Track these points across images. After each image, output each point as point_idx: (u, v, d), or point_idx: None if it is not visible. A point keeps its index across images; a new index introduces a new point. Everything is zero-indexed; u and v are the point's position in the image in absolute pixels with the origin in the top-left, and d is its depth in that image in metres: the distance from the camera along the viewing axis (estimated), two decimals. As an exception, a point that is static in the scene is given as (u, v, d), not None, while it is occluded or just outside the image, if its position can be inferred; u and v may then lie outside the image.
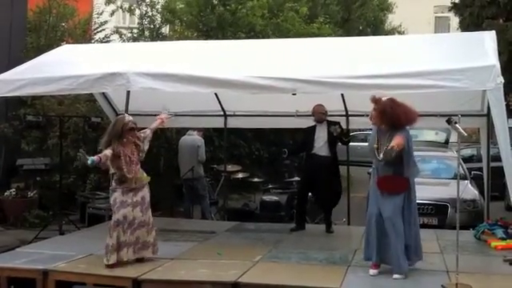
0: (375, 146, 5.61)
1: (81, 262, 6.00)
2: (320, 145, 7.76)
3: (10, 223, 9.57)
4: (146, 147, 6.12)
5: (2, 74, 7.19)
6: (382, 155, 5.44)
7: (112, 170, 5.90)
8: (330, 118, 8.34)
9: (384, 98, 5.53)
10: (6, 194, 9.87)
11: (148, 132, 6.19)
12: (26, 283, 5.68)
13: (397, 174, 5.55)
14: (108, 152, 5.73)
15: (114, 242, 5.81)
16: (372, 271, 5.62)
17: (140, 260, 5.97)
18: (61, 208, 8.89)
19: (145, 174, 6.10)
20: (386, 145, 5.47)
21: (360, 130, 17.32)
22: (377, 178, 5.63)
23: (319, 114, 7.88)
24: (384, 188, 5.56)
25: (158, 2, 14.49)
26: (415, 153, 5.84)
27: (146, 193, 6.03)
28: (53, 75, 7.00)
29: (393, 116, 5.44)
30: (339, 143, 7.92)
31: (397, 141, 5.35)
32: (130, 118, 6.05)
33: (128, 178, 5.87)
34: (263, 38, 13.03)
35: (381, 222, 5.56)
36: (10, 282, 5.74)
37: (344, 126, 9.15)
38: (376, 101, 5.51)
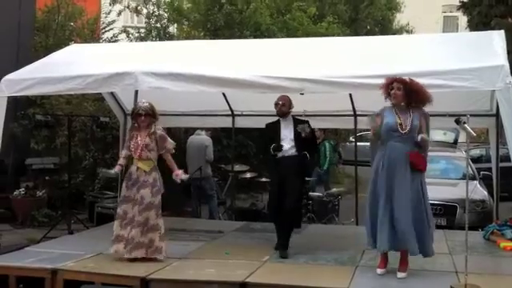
0: (398, 121, 5.59)
1: (89, 261, 6.01)
2: (287, 146, 6.53)
3: (19, 222, 9.62)
4: (161, 150, 6.17)
5: (11, 74, 7.22)
6: (421, 135, 5.52)
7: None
8: (337, 119, 8.30)
9: (407, 78, 5.63)
10: (15, 193, 9.92)
11: (168, 143, 6.23)
12: (34, 282, 5.69)
13: (420, 152, 5.63)
14: (123, 154, 6.24)
15: (116, 234, 6.02)
16: (379, 270, 5.61)
17: (150, 259, 5.98)
18: (69, 207, 8.92)
19: (151, 165, 6.09)
20: (409, 120, 5.56)
21: (368, 130, 17.27)
22: (410, 154, 5.54)
23: (275, 104, 6.65)
24: (419, 163, 5.56)
25: (165, 2, 14.52)
26: None
27: (147, 193, 6.03)
28: (61, 75, 7.02)
29: (418, 93, 5.58)
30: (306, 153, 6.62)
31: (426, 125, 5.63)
32: (145, 104, 6.12)
33: (130, 167, 6.10)
34: (269, 37, 13.02)
35: (391, 206, 5.51)
36: (19, 281, 5.76)
37: (351, 126, 9.16)
38: (401, 80, 5.60)
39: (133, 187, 6.05)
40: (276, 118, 6.74)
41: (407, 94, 5.58)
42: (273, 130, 6.67)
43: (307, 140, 6.55)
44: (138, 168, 6.08)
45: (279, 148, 6.51)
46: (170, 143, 6.24)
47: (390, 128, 5.61)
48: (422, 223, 5.55)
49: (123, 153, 6.31)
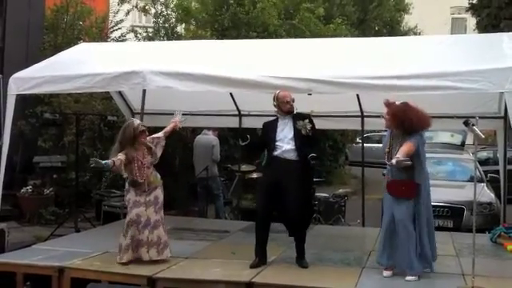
0: (386, 150, 5.63)
1: (96, 260, 6.03)
2: (284, 146, 5.88)
3: (26, 220, 9.66)
4: (159, 152, 6.11)
5: (20, 72, 7.27)
6: (393, 160, 5.36)
7: (125, 175, 5.95)
8: (344, 119, 8.27)
9: (397, 102, 5.53)
10: (22, 190, 9.97)
11: (161, 135, 6.20)
12: (41, 280, 5.72)
13: (408, 178, 5.53)
14: (121, 156, 5.74)
15: (129, 242, 5.86)
16: (386, 273, 5.61)
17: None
18: (76, 205, 8.96)
19: (158, 177, 6.11)
20: (396, 149, 5.47)
21: (375, 132, 17.27)
22: (387, 182, 5.64)
23: (285, 103, 5.97)
24: (393, 192, 5.58)
25: (172, 1, 14.54)
26: (431, 155, 5.83)
27: (159, 193, 6.04)
28: (70, 73, 7.06)
29: (404, 120, 5.44)
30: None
31: (405, 149, 5.34)
32: (139, 121, 6.10)
33: (140, 183, 5.92)
34: (276, 38, 13.01)
35: (393, 226, 5.57)
36: (26, 279, 5.78)
37: (358, 127, 9.15)
38: (389, 104, 5.52)
39: (143, 193, 5.97)
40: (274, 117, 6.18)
41: (394, 119, 5.49)
42: (270, 129, 6.05)
43: (309, 138, 5.89)
44: (147, 185, 5.97)
45: (244, 139, 6.05)
46: (155, 136, 6.12)
47: (383, 154, 5.68)
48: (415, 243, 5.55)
49: (118, 162, 5.75)
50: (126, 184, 6.08)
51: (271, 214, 6.02)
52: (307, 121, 5.89)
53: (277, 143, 5.90)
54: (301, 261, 5.94)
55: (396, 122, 5.50)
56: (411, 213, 5.51)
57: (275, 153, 5.89)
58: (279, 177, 5.81)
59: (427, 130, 5.69)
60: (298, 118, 5.94)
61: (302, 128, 5.85)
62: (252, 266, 5.81)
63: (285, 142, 5.89)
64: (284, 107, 5.97)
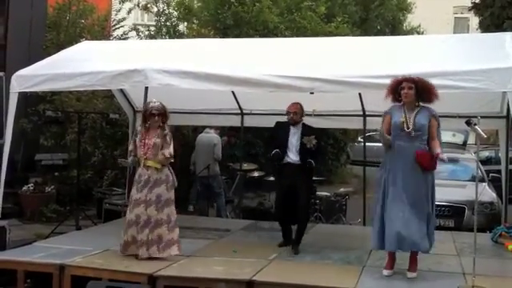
0: (402, 119, 5.55)
1: (97, 258, 6.04)
2: (291, 154, 6.59)
3: (28, 217, 9.66)
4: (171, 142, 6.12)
5: (22, 70, 7.27)
6: (444, 157, 5.44)
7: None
8: (346, 118, 8.25)
9: (416, 77, 5.60)
10: (24, 188, 9.98)
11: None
12: (42, 277, 5.73)
13: (429, 151, 5.55)
14: (131, 147, 6.20)
15: (130, 240, 5.92)
16: (386, 271, 5.59)
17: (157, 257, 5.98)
18: (78, 203, 8.96)
19: (159, 162, 6.04)
20: (411, 121, 5.50)
21: (377, 131, 17.22)
22: (416, 151, 5.50)
23: (288, 113, 6.66)
24: (425, 163, 5.50)
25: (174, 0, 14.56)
26: None
27: (162, 190, 6.02)
28: (72, 71, 7.06)
29: (430, 90, 5.53)
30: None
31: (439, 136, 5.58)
32: (157, 103, 6.08)
33: (136, 160, 6.07)
34: (277, 36, 13.00)
35: (400, 207, 5.48)
36: (27, 276, 5.79)
37: (360, 126, 9.13)
38: (414, 79, 5.56)
39: (144, 188, 5.98)
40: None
41: (418, 92, 5.56)
42: (282, 132, 6.68)
43: (312, 151, 6.54)
44: (148, 167, 6.03)
45: (279, 157, 6.58)
46: (168, 152, 6.02)
47: (396, 127, 5.59)
48: (427, 221, 5.53)
49: (131, 147, 6.30)
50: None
51: (286, 212, 6.67)
52: (313, 137, 6.53)
53: (287, 150, 6.57)
54: (296, 246, 6.56)
55: (421, 94, 5.55)
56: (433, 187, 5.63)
57: (285, 160, 6.59)
58: (290, 179, 6.55)
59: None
60: (305, 131, 6.59)
61: (307, 142, 6.49)
62: (279, 245, 6.70)
63: (292, 151, 6.56)
64: (288, 117, 6.63)
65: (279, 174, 6.84)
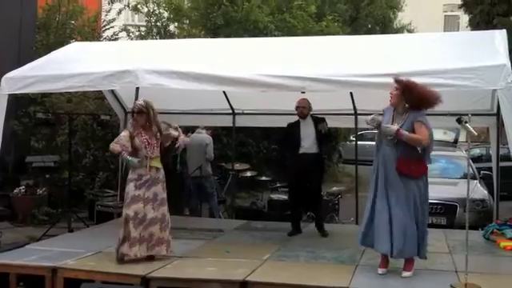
0: (388, 124, 5.52)
1: (89, 260, 6.01)
2: (309, 144, 7.36)
3: (19, 220, 9.62)
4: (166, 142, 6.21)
5: (12, 72, 7.22)
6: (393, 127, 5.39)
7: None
8: (337, 117, 8.31)
9: (405, 78, 5.53)
10: (15, 191, 9.92)
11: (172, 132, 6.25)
12: (34, 280, 5.69)
13: (414, 157, 5.50)
14: (124, 133, 6.06)
15: (126, 235, 5.86)
16: (381, 270, 5.60)
17: (150, 258, 5.97)
18: (69, 205, 8.92)
19: (159, 162, 6.08)
20: (401, 125, 5.44)
21: (368, 130, 17.26)
22: (397, 160, 5.48)
23: (301, 107, 7.41)
24: (405, 171, 5.45)
25: (164, 0, 14.51)
26: None
27: (159, 189, 6.03)
28: (62, 73, 7.02)
29: (412, 93, 5.43)
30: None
31: (423, 134, 5.42)
32: (140, 102, 6.03)
33: (140, 160, 5.93)
34: (267, 35, 13.00)
35: (389, 210, 5.49)
36: (19, 279, 5.75)
37: (352, 125, 9.18)
38: (398, 80, 5.51)
39: (142, 186, 5.95)
40: (296, 118, 7.50)
41: (403, 94, 5.48)
42: (294, 128, 7.44)
43: (326, 136, 7.46)
44: (151, 167, 5.99)
45: (297, 145, 7.34)
46: (174, 126, 6.24)
47: (383, 132, 5.58)
48: (417, 226, 5.51)
49: (119, 148, 6.00)
50: (129, 173, 6.06)
51: (300, 198, 7.56)
52: (325, 123, 7.38)
53: (301, 142, 7.33)
54: (322, 230, 7.54)
55: (406, 97, 5.46)
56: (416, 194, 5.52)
57: (300, 151, 7.34)
58: (304, 168, 7.27)
59: (433, 107, 5.58)
60: (317, 121, 7.39)
61: (322, 129, 7.33)
62: (289, 234, 7.44)
63: (309, 140, 7.34)
64: (297, 111, 7.41)
65: (294, 162, 7.49)
